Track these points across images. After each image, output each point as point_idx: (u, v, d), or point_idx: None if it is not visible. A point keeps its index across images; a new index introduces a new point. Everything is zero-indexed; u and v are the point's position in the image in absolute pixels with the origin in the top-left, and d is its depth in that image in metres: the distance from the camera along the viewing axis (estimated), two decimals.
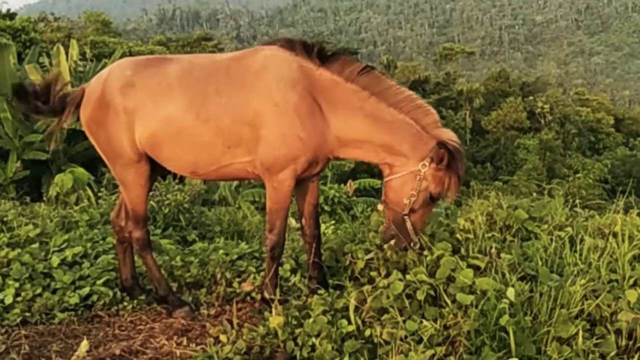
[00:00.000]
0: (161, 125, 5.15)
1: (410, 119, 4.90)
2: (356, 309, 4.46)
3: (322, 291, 4.92)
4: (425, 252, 5.01)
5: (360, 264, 5.38)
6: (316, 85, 4.95)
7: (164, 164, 5.38)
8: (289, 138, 4.92)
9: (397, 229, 5.02)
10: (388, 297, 4.40)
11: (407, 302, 4.39)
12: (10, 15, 39.74)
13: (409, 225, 4.99)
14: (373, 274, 5.12)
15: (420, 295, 4.39)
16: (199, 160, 5.21)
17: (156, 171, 5.60)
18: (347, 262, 5.54)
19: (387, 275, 4.97)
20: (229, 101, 5.01)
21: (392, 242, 5.08)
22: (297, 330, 4.33)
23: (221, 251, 6.22)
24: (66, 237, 6.71)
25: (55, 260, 5.89)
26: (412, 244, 4.99)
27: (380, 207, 5.43)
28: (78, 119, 5.71)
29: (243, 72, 5.08)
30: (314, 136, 4.96)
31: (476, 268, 4.79)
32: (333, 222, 9.20)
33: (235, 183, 17.89)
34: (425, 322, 4.18)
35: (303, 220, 5.53)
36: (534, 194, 7.30)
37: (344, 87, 4.94)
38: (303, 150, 4.96)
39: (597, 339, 4.03)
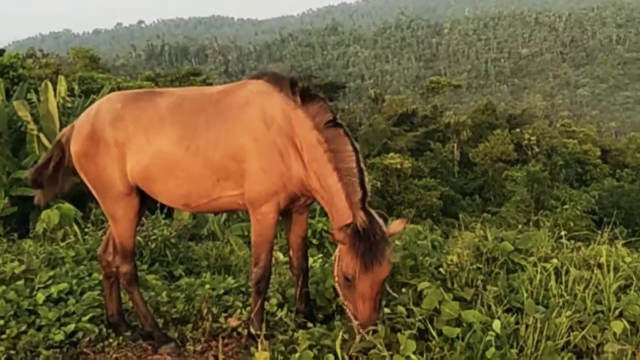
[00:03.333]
0: (153, 159, 5.18)
1: (344, 192, 4.84)
2: (343, 342, 4.44)
3: (309, 325, 4.91)
4: (404, 290, 5.02)
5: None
6: (292, 125, 4.98)
7: (156, 197, 5.40)
8: (269, 172, 4.96)
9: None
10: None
11: (394, 336, 4.38)
12: None
13: (351, 316, 4.71)
14: None
15: (405, 333, 4.37)
16: (190, 193, 5.24)
17: (145, 205, 5.61)
18: (332, 296, 5.54)
19: None
20: (217, 134, 5.07)
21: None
22: None
23: (207, 286, 6.19)
24: (52, 273, 6.67)
25: (40, 297, 5.85)
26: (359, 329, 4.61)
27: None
28: None
29: (230, 105, 5.14)
30: (293, 172, 4.99)
31: (462, 300, 4.80)
32: (321, 255, 9.17)
33: (224, 217, 17.83)
34: (412, 357, 4.18)
35: (291, 253, 5.54)
36: (521, 226, 7.33)
37: (310, 133, 4.95)
38: (283, 184, 4.99)
39: None
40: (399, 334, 4.36)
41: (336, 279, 4.79)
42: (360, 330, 4.54)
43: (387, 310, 4.83)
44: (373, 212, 4.83)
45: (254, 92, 5.16)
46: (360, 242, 4.60)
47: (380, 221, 4.78)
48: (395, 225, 4.85)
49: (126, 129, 5.27)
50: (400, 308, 4.79)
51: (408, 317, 4.68)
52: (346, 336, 4.53)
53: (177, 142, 5.14)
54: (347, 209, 4.79)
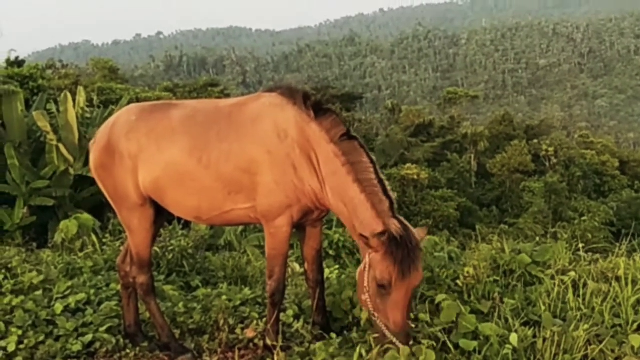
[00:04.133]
0: (164, 170, 5.22)
1: (368, 202, 4.80)
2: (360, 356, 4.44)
3: (325, 337, 4.91)
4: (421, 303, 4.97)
5: (362, 314, 5.37)
6: (307, 138, 4.98)
7: (168, 208, 5.44)
8: (282, 185, 4.96)
9: (381, 334, 4.64)
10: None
11: (413, 348, 4.36)
12: (19, 63, 40.19)
13: (382, 327, 4.61)
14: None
15: (425, 343, 4.36)
16: (201, 205, 5.26)
17: (162, 216, 5.65)
18: (349, 307, 5.54)
19: None
20: (229, 147, 5.08)
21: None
22: None
23: (224, 297, 6.22)
24: (70, 283, 6.72)
25: (58, 307, 5.90)
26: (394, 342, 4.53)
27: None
28: (85, 165, 5.80)
29: (243, 118, 5.15)
30: (307, 185, 4.99)
31: (479, 313, 4.79)
32: (337, 266, 9.16)
33: (241, 228, 17.88)
34: None
35: (306, 265, 5.54)
36: (538, 238, 7.30)
37: (327, 147, 4.94)
38: (296, 197, 4.99)
39: None
40: (418, 346, 4.35)
41: (366, 289, 4.70)
42: (395, 340, 4.49)
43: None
44: (403, 219, 4.82)
45: (267, 105, 5.17)
46: (397, 249, 4.57)
47: (412, 228, 4.77)
48: (419, 233, 4.83)
49: (139, 141, 5.32)
50: (423, 316, 4.77)
51: (427, 327, 4.67)
52: (363, 350, 4.52)
53: (188, 153, 5.17)
54: (374, 219, 4.74)
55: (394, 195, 4.98)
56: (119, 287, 6.01)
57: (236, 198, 5.13)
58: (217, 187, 5.13)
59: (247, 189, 5.07)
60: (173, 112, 5.41)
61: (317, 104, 5.12)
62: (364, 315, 5.04)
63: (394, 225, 4.69)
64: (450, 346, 4.37)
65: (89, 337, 5.54)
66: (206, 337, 5.72)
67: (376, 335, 4.65)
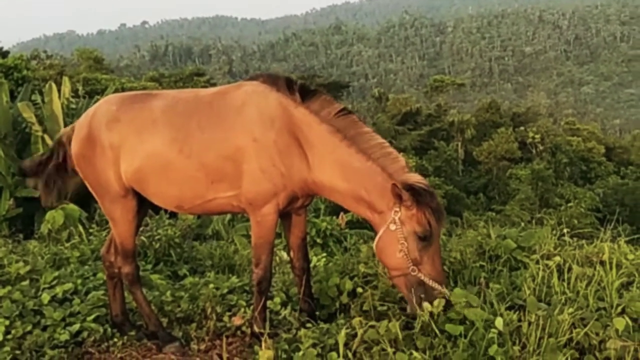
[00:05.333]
0: (146, 160, 5.20)
1: (377, 166, 4.82)
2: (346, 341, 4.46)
3: (311, 324, 4.93)
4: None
5: (345, 298, 5.43)
6: (294, 123, 4.96)
7: (150, 199, 5.41)
8: (269, 173, 4.94)
9: (421, 291, 4.66)
10: (387, 330, 4.40)
11: (400, 333, 4.39)
12: (3, 54, 39.95)
13: (426, 278, 4.69)
14: (367, 307, 5.14)
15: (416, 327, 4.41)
16: (183, 194, 5.24)
17: (146, 206, 5.63)
18: (336, 294, 5.56)
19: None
20: (212, 136, 5.05)
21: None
22: None
23: (212, 285, 6.21)
24: (57, 273, 6.69)
25: (45, 297, 5.87)
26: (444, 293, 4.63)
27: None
28: None
29: (225, 107, 5.12)
30: (293, 172, 4.97)
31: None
32: (324, 254, 9.19)
33: (229, 217, 17.87)
34: (415, 354, 4.19)
35: (292, 254, 5.54)
36: (524, 224, 7.34)
37: (319, 127, 4.93)
38: (283, 185, 4.98)
39: None
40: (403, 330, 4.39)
41: (401, 247, 4.69)
42: (441, 288, 4.63)
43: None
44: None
45: (249, 92, 5.14)
46: (429, 198, 4.67)
47: None
48: None
49: (120, 131, 5.28)
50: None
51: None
52: (348, 332, 4.55)
53: (169, 144, 5.14)
54: (387, 181, 4.74)
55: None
56: (105, 277, 5.99)
57: (218, 187, 5.11)
58: (199, 176, 5.10)
59: (230, 178, 5.04)
60: (154, 102, 5.37)
61: (302, 87, 5.09)
62: (387, 283, 5.17)
63: (413, 178, 4.76)
64: (437, 330, 4.39)
65: (77, 326, 5.52)
66: (194, 325, 5.72)
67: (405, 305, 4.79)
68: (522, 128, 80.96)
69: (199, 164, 5.07)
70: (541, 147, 76.91)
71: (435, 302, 4.49)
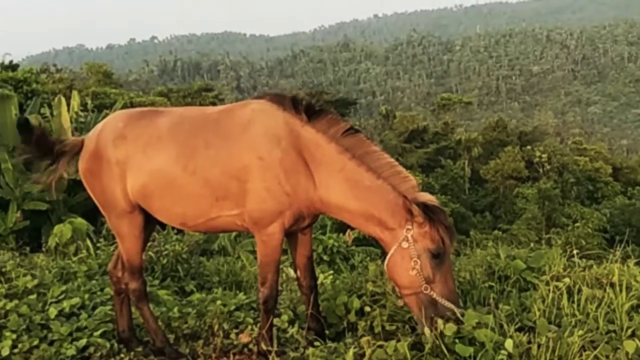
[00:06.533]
0: (151, 177, 5.21)
1: (388, 185, 4.83)
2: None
3: (319, 343, 4.91)
4: None
5: (352, 317, 5.39)
6: (301, 142, 4.96)
7: (154, 215, 5.42)
8: (274, 192, 4.93)
9: (433, 310, 4.66)
10: (395, 350, 4.38)
11: (409, 353, 4.37)
12: (13, 67, 40.12)
13: (438, 297, 4.69)
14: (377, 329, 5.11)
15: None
16: (187, 212, 5.24)
17: (152, 222, 5.62)
18: (344, 313, 5.54)
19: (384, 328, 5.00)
20: (217, 154, 5.05)
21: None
22: None
23: (219, 302, 6.20)
24: (64, 288, 6.70)
25: (52, 311, 5.88)
26: (457, 313, 4.60)
27: (400, 302, 5.14)
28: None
29: (231, 125, 5.12)
30: (299, 191, 4.96)
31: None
32: (331, 272, 9.17)
33: (235, 233, 17.87)
34: None
35: (298, 273, 5.52)
36: (533, 244, 7.31)
37: (327, 146, 4.93)
38: (289, 204, 4.96)
39: None
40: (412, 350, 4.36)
41: (414, 265, 4.69)
42: (453, 307, 4.62)
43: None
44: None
45: (256, 111, 5.14)
46: (441, 215, 4.70)
47: None
48: None
49: (127, 148, 5.31)
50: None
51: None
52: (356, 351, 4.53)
53: (174, 161, 5.15)
54: (398, 199, 4.75)
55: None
56: (113, 292, 5.99)
57: (223, 205, 5.10)
58: (204, 194, 5.10)
59: (234, 196, 5.03)
60: (160, 119, 5.39)
61: (308, 106, 5.09)
62: (400, 303, 5.07)
63: (425, 197, 4.78)
64: (445, 352, 4.36)
65: (83, 341, 5.52)
66: (201, 342, 5.71)
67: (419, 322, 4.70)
68: (529, 147, 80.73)
69: (204, 181, 5.07)
70: (548, 167, 76.68)
71: (447, 325, 4.45)
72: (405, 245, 4.73)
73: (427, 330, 4.54)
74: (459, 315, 4.56)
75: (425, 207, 4.66)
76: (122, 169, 5.31)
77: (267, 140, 4.97)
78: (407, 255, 4.72)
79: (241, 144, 5.02)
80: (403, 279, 4.77)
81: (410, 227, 4.71)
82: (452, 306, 4.63)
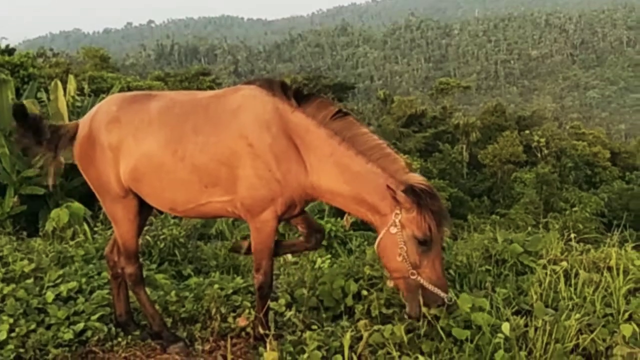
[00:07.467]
0: (140, 161, 5.19)
1: (377, 168, 4.80)
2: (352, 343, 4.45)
3: (316, 326, 4.91)
4: None
5: (350, 301, 5.40)
6: (291, 127, 4.93)
7: (145, 200, 5.39)
8: (265, 179, 4.90)
9: (420, 295, 4.61)
10: (392, 333, 4.39)
11: (405, 337, 4.38)
12: (9, 51, 39.90)
13: (425, 283, 4.63)
14: (374, 312, 5.11)
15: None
16: (176, 197, 5.22)
17: (148, 206, 5.59)
18: (340, 296, 5.55)
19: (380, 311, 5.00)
20: (206, 139, 5.02)
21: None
22: None
23: (216, 286, 6.19)
24: (61, 272, 6.68)
25: (49, 295, 5.86)
26: (445, 299, 4.59)
27: (389, 283, 5.08)
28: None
29: (221, 111, 5.09)
30: (291, 178, 4.93)
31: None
32: (329, 256, 9.17)
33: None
34: (420, 358, 4.18)
35: (300, 229, 5.53)
36: (530, 228, 7.32)
37: (316, 131, 4.91)
38: (280, 191, 4.94)
39: None
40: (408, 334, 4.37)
41: (401, 251, 4.65)
42: (441, 293, 4.56)
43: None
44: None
45: (246, 96, 5.10)
46: (429, 200, 4.62)
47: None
48: None
49: (119, 132, 5.27)
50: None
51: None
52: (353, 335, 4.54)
53: (163, 145, 5.12)
54: (390, 182, 4.71)
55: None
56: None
57: (212, 191, 5.07)
58: (193, 179, 5.07)
59: (224, 182, 5.01)
60: (151, 104, 5.35)
61: (297, 92, 5.06)
62: (390, 284, 5.02)
63: (414, 179, 4.73)
64: (442, 335, 4.37)
65: (81, 325, 5.51)
66: (198, 325, 5.71)
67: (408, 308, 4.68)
68: (527, 131, 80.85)
69: (192, 167, 5.04)
70: (546, 151, 76.85)
71: (434, 310, 4.48)
72: (393, 230, 4.71)
73: (409, 312, 4.61)
74: (446, 300, 4.54)
75: (412, 192, 4.62)
76: (115, 153, 5.28)
77: (256, 126, 4.93)
78: (394, 241, 4.70)
79: (230, 129, 4.98)
80: (391, 263, 4.76)
81: (398, 211, 4.68)
82: (439, 291, 4.58)
